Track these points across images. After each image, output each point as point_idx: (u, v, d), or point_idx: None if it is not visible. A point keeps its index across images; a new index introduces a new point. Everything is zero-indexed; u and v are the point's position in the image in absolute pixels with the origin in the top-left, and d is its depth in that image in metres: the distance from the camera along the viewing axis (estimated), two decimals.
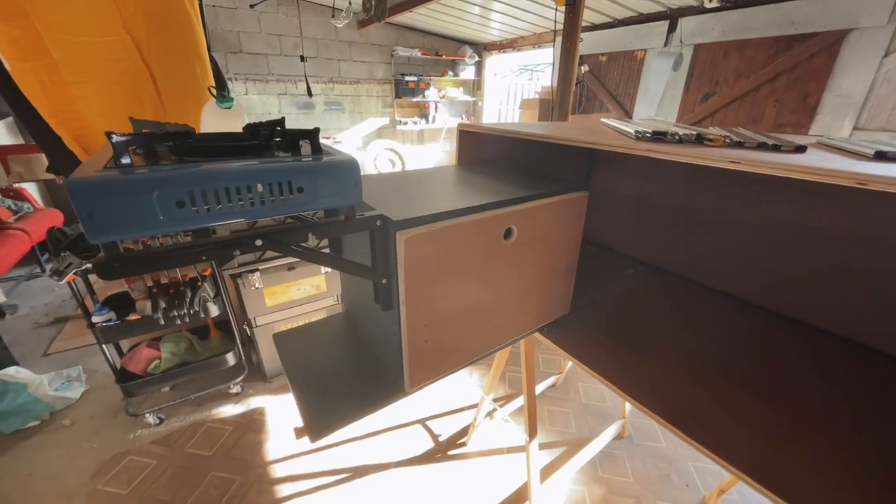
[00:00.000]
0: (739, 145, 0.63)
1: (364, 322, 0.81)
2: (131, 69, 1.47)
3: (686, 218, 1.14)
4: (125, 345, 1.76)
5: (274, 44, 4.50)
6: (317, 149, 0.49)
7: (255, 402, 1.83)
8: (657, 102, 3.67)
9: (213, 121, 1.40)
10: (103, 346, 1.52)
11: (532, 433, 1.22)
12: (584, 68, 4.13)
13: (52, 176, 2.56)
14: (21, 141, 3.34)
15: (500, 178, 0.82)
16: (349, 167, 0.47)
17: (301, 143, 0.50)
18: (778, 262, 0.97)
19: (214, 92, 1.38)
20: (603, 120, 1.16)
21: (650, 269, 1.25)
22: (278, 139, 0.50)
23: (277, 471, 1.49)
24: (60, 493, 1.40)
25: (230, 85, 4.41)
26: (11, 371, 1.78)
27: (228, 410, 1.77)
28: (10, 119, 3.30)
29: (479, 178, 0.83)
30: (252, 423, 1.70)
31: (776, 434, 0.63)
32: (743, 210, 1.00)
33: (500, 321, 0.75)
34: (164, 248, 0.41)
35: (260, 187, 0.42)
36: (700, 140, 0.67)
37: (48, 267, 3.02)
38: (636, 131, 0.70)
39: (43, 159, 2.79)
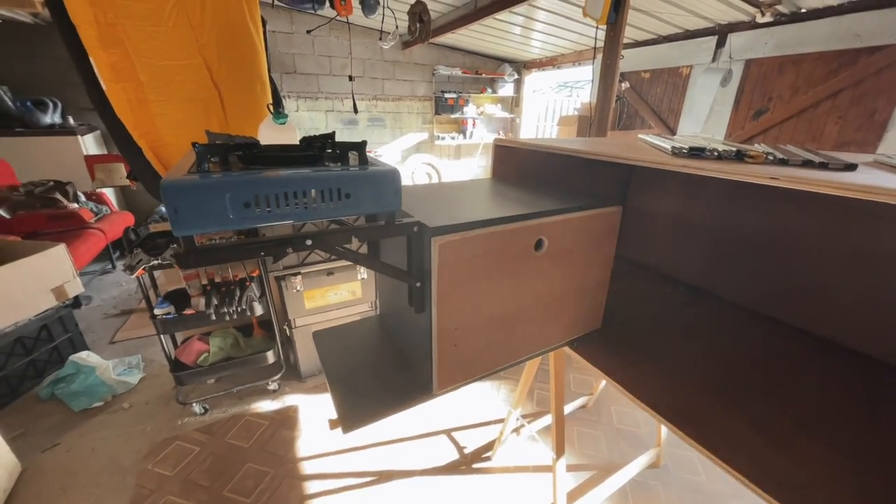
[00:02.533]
0: (783, 163, 0.62)
1: (397, 325, 0.85)
2: (203, 89, 1.64)
3: (730, 238, 1.10)
4: (179, 337, 1.92)
5: (324, 64, 4.81)
6: (363, 160, 0.54)
7: (290, 399, 1.91)
8: (703, 119, 3.54)
9: (269, 135, 1.54)
10: (161, 336, 1.67)
11: (559, 451, 1.19)
12: (625, 85, 4.08)
13: (128, 182, 2.86)
14: (105, 151, 3.77)
15: (533, 192, 0.84)
16: (391, 176, 0.52)
17: (350, 154, 0.56)
18: (832, 287, 0.91)
19: (272, 109, 1.51)
20: (641, 136, 1.16)
21: (690, 290, 1.21)
22: (329, 151, 0.55)
23: (307, 468, 1.55)
24: (116, 470, 1.53)
25: (284, 102, 4.76)
26: (84, 355, 1.98)
27: (265, 406, 1.87)
28: (98, 132, 3.74)
29: (513, 190, 0.86)
30: (286, 420, 1.78)
31: (829, 472, 0.60)
32: (793, 233, 0.96)
33: (529, 331, 0.76)
34: (230, 244, 0.47)
35: (313, 192, 0.48)
36: (740, 157, 0.66)
37: (120, 263, 3.35)
38: (672, 147, 0.70)
39: (121, 168, 3.13)
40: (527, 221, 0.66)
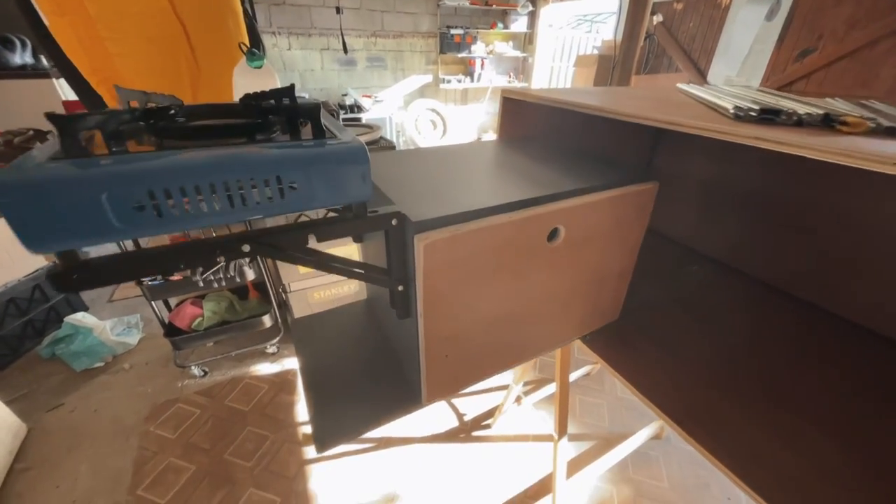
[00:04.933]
0: (892, 133, 0.46)
1: (385, 314, 0.74)
2: (165, 24, 1.41)
3: (772, 213, 0.95)
4: (173, 301, 1.86)
5: None
6: (318, 132, 0.39)
7: (288, 363, 1.90)
8: (741, 60, 3.15)
9: (245, 81, 1.34)
10: (152, 302, 1.61)
11: (562, 431, 1.14)
12: (658, 18, 3.59)
13: None
14: None
15: (547, 161, 0.69)
16: (355, 157, 0.38)
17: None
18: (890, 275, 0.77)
19: (244, 49, 1.30)
20: (680, 86, 0.96)
21: (719, 267, 1.07)
22: (276, 117, 0.40)
23: (306, 433, 1.55)
24: (120, 431, 1.55)
25: (274, 39, 4.33)
26: (79, 316, 1.95)
27: (264, 369, 1.85)
28: None
29: (523, 158, 0.70)
30: (285, 384, 1.77)
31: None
32: (856, 209, 0.80)
33: (536, 331, 0.65)
34: (134, 255, 0.34)
35: (239, 183, 0.34)
36: (829, 123, 0.49)
37: None
38: (735, 107, 0.53)
39: None
40: (539, 208, 0.51)
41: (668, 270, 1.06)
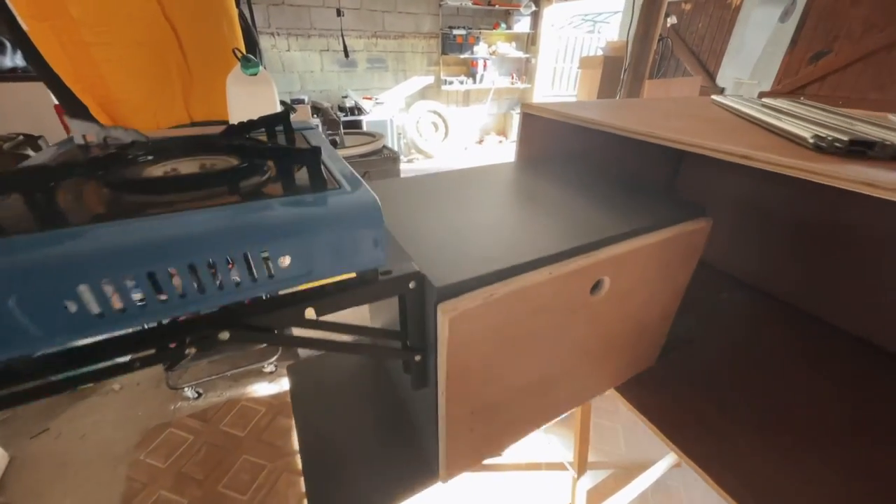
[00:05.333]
0: None
1: (397, 370, 0.66)
2: (155, 28, 1.32)
3: (815, 235, 0.86)
4: None
5: None
6: (317, 181, 0.30)
7: (287, 382, 1.80)
8: (752, 63, 3.06)
9: (239, 89, 1.25)
10: None
11: (581, 470, 1.06)
12: (671, 20, 3.49)
13: None
14: None
15: (579, 191, 0.60)
16: (367, 218, 0.29)
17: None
18: None
19: (239, 54, 1.21)
20: (716, 98, 0.88)
21: (751, 294, 0.99)
22: (268, 153, 0.31)
23: None
24: (107, 460, 1.46)
25: (272, 40, 4.24)
26: None
27: (262, 390, 1.77)
28: None
29: (550, 188, 0.62)
30: (284, 406, 1.68)
31: None
32: None
33: (567, 389, 0.57)
34: (45, 363, 0.25)
35: (209, 263, 0.25)
36: None
37: None
38: (816, 136, 0.45)
39: None
40: (582, 258, 0.43)
41: (696, 298, 0.98)
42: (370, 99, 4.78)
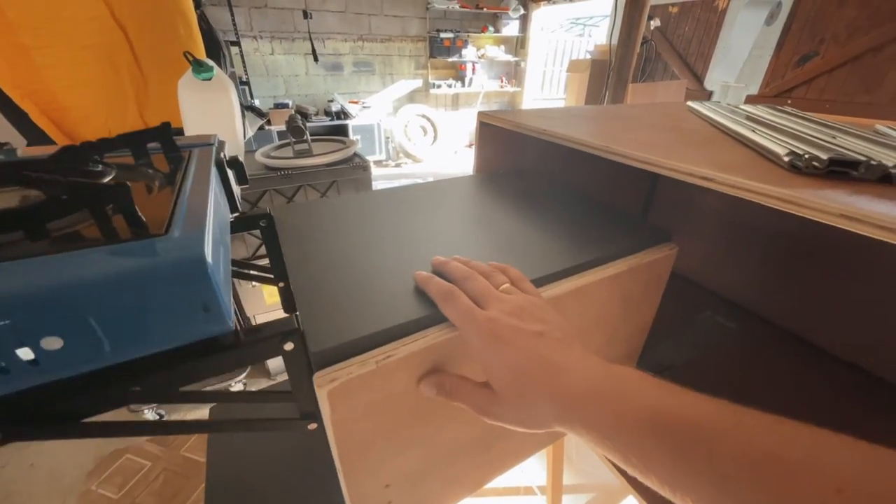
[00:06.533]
0: None
1: None
2: (103, 30, 1.24)
3: (807, 251, 0.80)
4: None
5: None
6: (108, 232, 0.23)
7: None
8: (739, 66, 3.03)
9: (192, 95, 1.17)
10: None
11: (556, 498, 0.99)
12: (655, 23, 3.47)
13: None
14: None
15: (531, 213, 0.53)
16: (178, 273, 0.21)
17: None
18: None
19: (191, 58, 1.13)
20: (692, 105, 0.81)
21: (737, 311, 0.92)
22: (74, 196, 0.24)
23: None
24: (56, 490, 1.36)
25: (255, 44, 4.16)
26: None
27: None
28: None
29: (499, 210, 0.55)
30: None
31: None
32: None
33: (517, 441, 0.49)
34: None
35: None
36: None
37: None
38: (791, 154, 0.38)
39: None
40: None
41: (678, 316, 0.91)
42: (357, 103, 4.71)
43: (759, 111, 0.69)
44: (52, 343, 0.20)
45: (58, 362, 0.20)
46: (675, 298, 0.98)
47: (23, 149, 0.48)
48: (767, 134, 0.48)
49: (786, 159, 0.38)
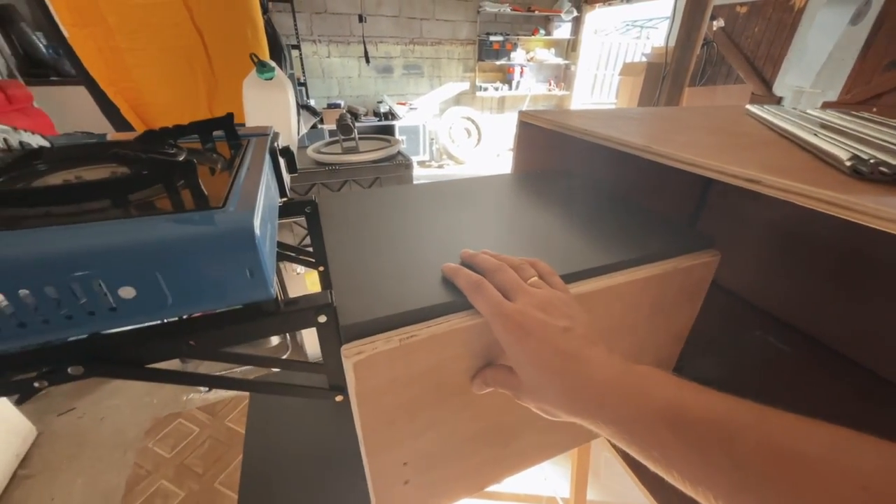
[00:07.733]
0: None
1: None
2: (184, 34, 1.38)
3: (870, 270, 0.72)
4: None
5: (355, 1, 4.31)
6: (176, 200, 0.26)
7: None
8: (816, 69, 2.77)
9: (254, 93, 1.27)
10: None
11: None
12: (718, 23, 3.25)
13: None
14: None
15: (568, 212, 0.53)
16: (231, 241, 0.24)
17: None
18: None
19: (255, 59, 1.23)
20: (751, 109, 0.76)
21: (788, 332, 0.85)
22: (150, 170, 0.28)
23: None
24: (119, 443, 1.53)
25: (314, 48, 4.40)
26: None
27: None
28: None
29: (535, 208, 0.55)
30: None
31: None
32: None
33: (535, 441, 0.49)
34: None
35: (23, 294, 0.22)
36: None
37: None
38: (854, 158, 0.35)
39: None
40: None
41: (724, 335, 0.85)
42: (404, 104, 4.83)
43: (830, 115, 0.64)
44: (128, 292, 0.23)
45: (131, 309, 0.24)
46: (723, 314, 0.92)
47: (112, 134, 0.55)
48: (831, 138, 0.45)
49: (847, 163, 0.35)
